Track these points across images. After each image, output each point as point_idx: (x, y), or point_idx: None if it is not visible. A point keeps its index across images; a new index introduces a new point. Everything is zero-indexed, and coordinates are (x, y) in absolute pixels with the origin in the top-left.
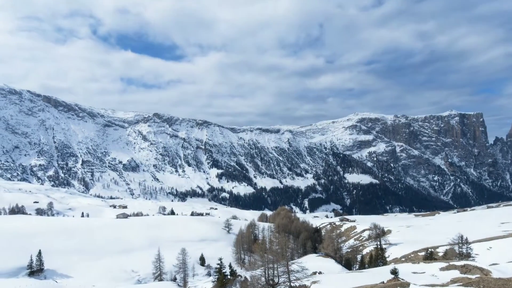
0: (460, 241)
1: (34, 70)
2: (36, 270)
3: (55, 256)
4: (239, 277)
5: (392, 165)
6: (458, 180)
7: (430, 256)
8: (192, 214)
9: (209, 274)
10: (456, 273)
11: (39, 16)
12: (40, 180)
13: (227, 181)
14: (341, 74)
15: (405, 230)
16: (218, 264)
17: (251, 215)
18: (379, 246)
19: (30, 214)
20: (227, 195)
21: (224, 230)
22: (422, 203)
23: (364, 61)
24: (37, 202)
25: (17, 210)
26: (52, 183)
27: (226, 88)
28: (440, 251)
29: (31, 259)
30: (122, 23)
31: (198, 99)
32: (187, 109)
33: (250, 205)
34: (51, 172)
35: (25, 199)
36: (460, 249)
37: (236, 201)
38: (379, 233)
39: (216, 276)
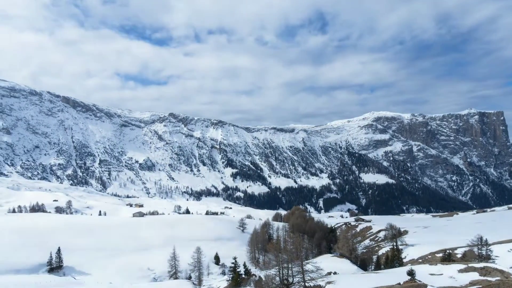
0: (480, 243)
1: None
2: (55, 266)
3: (73, 254)
4: (254, 276)
5: (409, 164)
6: (478, 180)
7: (448, 257)
8: (207, 213)
9: (223, 273)
10: (475, 275)
11: None
12: (59, 179)
13: (242, 181)
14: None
15: (422, 231)
16: (232, 263)
17: (266, 214)
18: (395, 247)
19: (49, 212)
20: (242, 195)
21: (239, 229)
22: (440, 203)
23: (379, 46)
24: (56, 201)
25: (37, 208)
26: (71, 182)
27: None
28: (459, 252)
29: (51, 256)
30: None
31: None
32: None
33: (264, 205)
34: (69, 171)
35: (45, 197)
36: (479, 251)
37: (251, 200)
38: (395, 234)
39: (231, 275)
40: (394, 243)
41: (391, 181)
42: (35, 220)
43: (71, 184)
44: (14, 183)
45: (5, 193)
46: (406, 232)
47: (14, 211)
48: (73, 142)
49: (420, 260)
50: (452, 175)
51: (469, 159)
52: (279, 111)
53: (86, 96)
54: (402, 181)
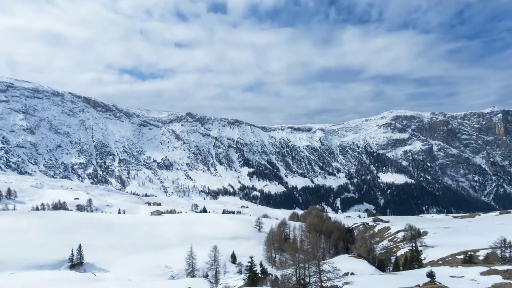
0: (503, 245)
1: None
2: (76, 263)
3: (93, 251)
4: (270, 275)
5: (428, 164)
6: (501, 180)
7: (469, 259)
8: (224, 212)
9: (240, 272)
10: (498, 278)
11: None
12: (80, 178)
13: (258, 180)
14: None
15: (443, 232)
16: (249, 262)
17: (282, 214)
18: (414, 248)
19: (71, 210)
20: (258, 194)
21: (255, 228)
22: (461, 204)
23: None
24: (78, 199)
25: (59, 206)
26: (91, 180)
27: None
28: (481, 254)
29: (72, 253)
30: None
31: None
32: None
33: (281, 204)
34: (90, 170)
35: (66, 195)
36: (502, 253)
37: (267, 199)
38: (415, 235)
39: (247, 274)
40: (413, 244)
41: (410, 181)
42: (57, 218)
43: (92, 183)
44: (37, 181)
45: (29, 191)
46: (425, 233)
47: (37, 208)
48: (94, 141)
49: (440, 262)
50: (474, 175)
51: (492, 158)
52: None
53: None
54: (422, 181)
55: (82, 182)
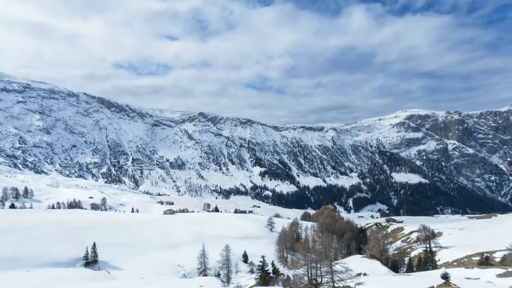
0: None
1: None
2: (91, 261)
3: (108, 249)
4: (282, 275)
5: (443, 164)
6: None
7: (485, 261)
8: (236, 211)
9: (252, 271)
10: None
11: None
12: (94, 177)
13: (270, 180)
14: None
15: (458, 233)
16: (260, 261)
17: (294, 213)
18: (428, 249)
19: (85, 208)
20: (270, 193)
21: (267, 228)
22: (477, 204)
23: None
24: (92, 198)
25: (74, 205)
26: (105, 179)
27: None
28: (497, 256)
29: (87, 251)
30: None
31: None
32: None
33: (292, 204)
34: (104, 170)
35: (81, 194)
36: None
37: (279, 199)
38: (429, 235)
39: (259, 274)
40: (427, 245)
41: (424, 180)
42: (73, 216)
43: (106, 182)
44: (53, 180)
45: (45, 190)
46: (440, 233)
47: (53, 207)
48: (108, 141)
49: (455, 263)
50: (490, 175)
51: (509, 158)
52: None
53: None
54: (436, 181)
55: (97, 181)
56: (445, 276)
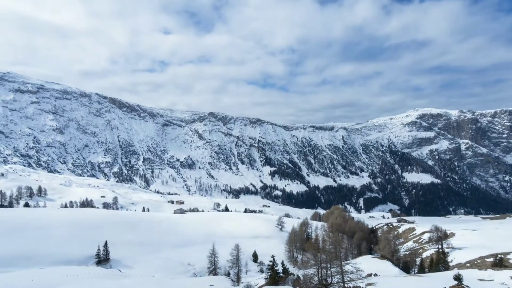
0: None
1: None
2: (103, 259)
3: (119, 247)
4: (292, 275)
5: (456, 163)
6: None
7: (499, 262)
8: (245, 211)
9: (261, 271)
10: None
11: None
12: (106, 176)
13: (280, 179)
14: None
15: (471, 234)
16: (270, 261)
17: (304, 213)
18: (440, 250)
19: (97, 207)
20: (280, 193)
21: (277, 227)
22: (491, 205)
23: None
24: (104, 197)
25: (86, 204)
26: (117, 179)
27: None
28: None
29: (99, 249)
30: None
31: None
32: None
33: (303, 204)
34: (116, 169)
35: (93, 193)
36: None
37: (289, 199)
38: (441, 236)
39: (269, 273)
40: (440, 246)
41: (436, 180)
42: (85, 215)
43: (117, 181)
44: (66, 179)
45: (58, 189)
46: (452, 234)
47: (66, 206)
48: (119, 141)
49: (468, 265)
50: (504, 175)
51: None
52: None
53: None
54: (449, 181)
55: (108, 180)
56: (457, 278)
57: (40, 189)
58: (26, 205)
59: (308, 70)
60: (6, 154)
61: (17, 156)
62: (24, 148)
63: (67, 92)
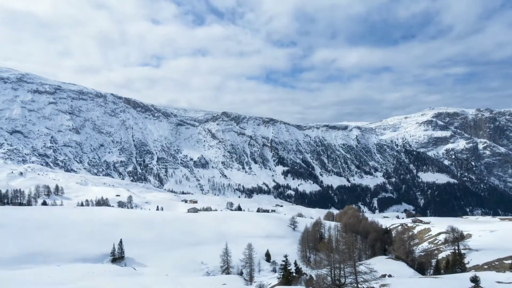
0: None
1: None
2: (117, 257)
3: (133, 246)
4: (305, 275)
5: (473, 163)
6: None
7: None
8: (258, 210)
9: (274, 270)
10: None
11: None
12: (121, 175)
13: (293, 179)
14: None
15: (488, 235)
16: (283, 261)
17: (317, 213)
18: (457, 251)
19: (112, 206)
20: (293, 193)
21: (290, 227)
22: (509, 206)
23: None
24: (119, 196)
25: (102, 202)
26: (131, 178)
27: None
28: None
29: (114, 247)
30: None
31: None
32: None
33: (315, 203)
34: (130, 168)
35: (108, 192)
36: None
37: (302, 198)
38: (457, 237)
39: (282, 273)
40: (456, 247)
41: (452, 180)
42: (100, 214)
43: (132, 180)
44: (82, 178)
45: (75, 188)
46: (469, 235)
47: (82, 204)
48: (134, 140)
49: (485, 267)
50: None
51: None
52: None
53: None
54: (466, 181)
55: (123, 179)
56: (474, 280)
57: (57, 188)
58: (44, 203)
59: (314, 61)
60: (25, 154)
61: (35, 155)
62: (42, 148)
63: (83, 93)
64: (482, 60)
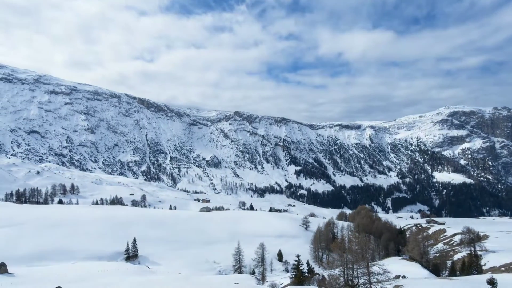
0: None
1: None
2: (131, 255)
3: (147, 244)
4: (317, 275)
5: (490, 163)
6: None
7: None
8: (271, 210)
9: (286, 270)
10: None
11: None
12: (135, 175)
13: (305, 178)
14: None
15: (506, 236)
16: (295, 260)
17: (330, 213)
18: (473, 252)
19: (126, 205)
20: (305, 192)
21: (302, 227)
22: None
23: None
24: (133, 195)
25: (116, 201)
26: (145, 177)
27: None
28: None
29: (128, 246)
30: None
31: None
32: None
33: (328, 203)
34: (144, 168)
35: (122, 191)
36: None
37: (314, 198)
38: (474, 238)
39: (294, 273)
40: (472, 248)
41: (469, 180)
42: (115, 212)
43: (145, 180)
44: (97, 178)
45: (90, 186)
46: (486, 237)
47: (97, 203)
48: (147, 140)
49: (502, 269)
50: None
51: None
52: None
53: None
54: (482, 181)
55: (137, 179)
56: (491, 282)
57: (73, 186)
58: (60, 202)
59: (320, 53)
60: (42, 153)
61: (52, 155)
62: (58, 148)
63: (98, 93)
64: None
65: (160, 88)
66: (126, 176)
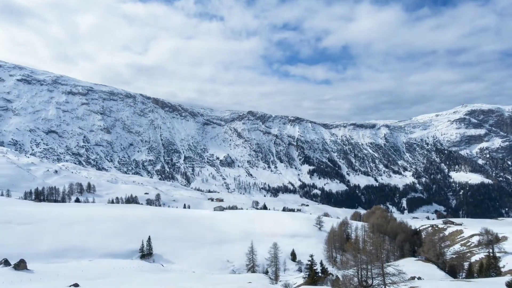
0: None
1: None
2: (146, 254)
3: (161, 243)
4: (331, 275)
5: (509, 163)
6: None
7: None
8: (284, 209)
9: (300, 270)
10: None
11: None
12: (149, 174)
13: (319, 178)
14: None
15: None
16: (309, 260)
17: (343, 213)
18: (491, 254)
19: (141, 203)
20: (319, 192)
21: (316, 227)
22: None
23: None
24: (147, 194)
25: (131, 200)
26: (159, 176)
27: None
28: None
29: (142, 244)
30: None
31: None
32: None
33: (342, 203)
34: (158, 167)
35: (137, 190)
36: None
37: (328, 198)
38: (492, 239)
39: (307, 273)
40: (490, 250)
41: (487, 181)
42: (130, 211)
43: (160, 179)
44: (112, 177)
45: (105, 185)
46: (505, 238)
47: (112, 201)
48: (162, 140)
49: None
50: None
51: None
52: None
53: None
54: (501, 181)
55: (151, 178)
56: (510, 285)
57: (89, 185)
58: (77, 200)
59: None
60: (59, 153)
61: (69, 154)
62: (75, 147)
63: (114, 94)
64: None
65: (159, 86)
66: (141, 175)
